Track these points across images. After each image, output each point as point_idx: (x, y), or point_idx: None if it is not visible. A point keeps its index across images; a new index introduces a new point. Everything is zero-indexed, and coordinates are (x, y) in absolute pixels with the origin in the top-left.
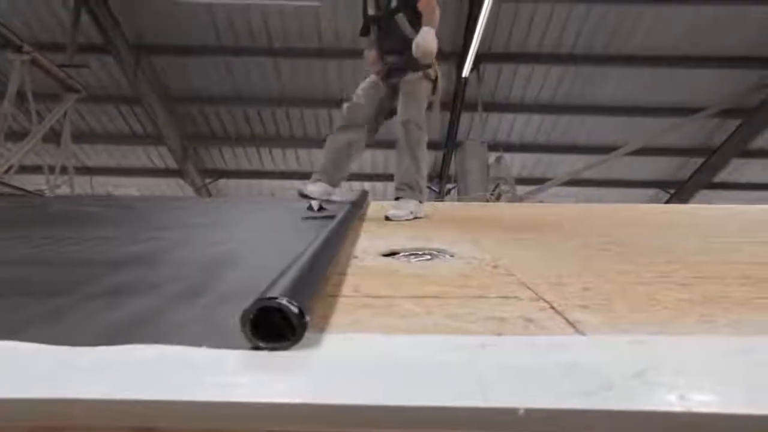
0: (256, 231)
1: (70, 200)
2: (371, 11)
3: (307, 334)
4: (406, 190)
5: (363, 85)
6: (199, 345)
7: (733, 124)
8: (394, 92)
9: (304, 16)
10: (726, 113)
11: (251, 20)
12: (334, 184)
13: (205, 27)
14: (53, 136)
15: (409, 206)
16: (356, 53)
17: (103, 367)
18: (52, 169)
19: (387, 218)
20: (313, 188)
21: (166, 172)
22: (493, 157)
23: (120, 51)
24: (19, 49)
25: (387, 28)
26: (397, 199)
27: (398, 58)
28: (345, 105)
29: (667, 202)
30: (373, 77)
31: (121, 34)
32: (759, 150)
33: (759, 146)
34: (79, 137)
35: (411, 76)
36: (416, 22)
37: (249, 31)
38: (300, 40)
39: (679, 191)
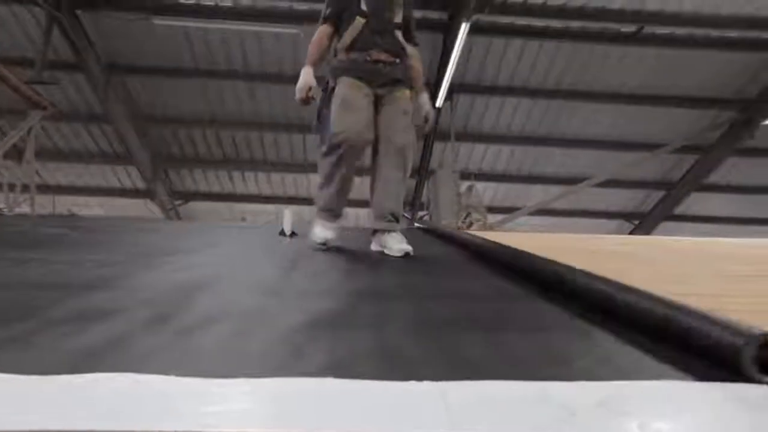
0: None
1: (33, 221)
2: (364, 7)
3: None
4: (397, 221)
5: (348, 91)
6: (168, 373)
7: (691, 159)
8: (377, 100)
9: (282, 43)
10: (685, 149)
11: (228, 44)
12: (340, 215)
13: (181, 49)
14: (15, 153)
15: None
16: None
17: (69, 397)
18: (12, 187)
19: (406, 255)
20: (331, 236)
21: (134, 193)
22: (464, 185)
23: (92, 69)
24: None
25: (380, 29)
26: (380, 231)
27: (394, 59)
28: (339, 121)
29: (632, 232)
30: (349, 80)
31: (94, 53)
32: (714, 185)
33: (714, 181)
34: (44, 155)
35: (405, 92)
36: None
37: (225, 55)
38: (276, 66)
39: (642, 222)
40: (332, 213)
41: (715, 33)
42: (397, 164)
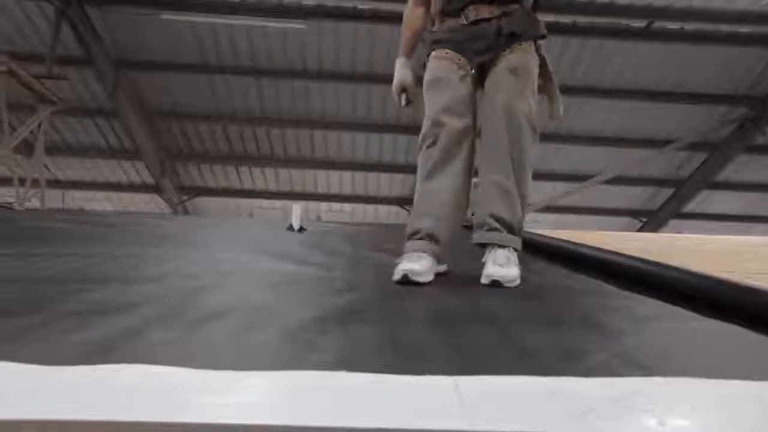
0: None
1: (43, 215)
2: None
3: None
4: (503, 231)
5: (436, 68)
6: (183, 365)
7: (700, 157)
8: (480, 75)
9: (289, 37)
10: (694, 146)
11: (236, 39)
12: (433, 241)
13: (189, 44)
14: (25, 148)
15: (514, 259)
16: (339, 76)
17: (83, 387)
18: (22, 182)
19: (494, 283)
20: (416, 267)
21: (143, 188)
22: (473, 181)
23: (100, 65)
24: None
25: None
26: (483, 245)
27: (503, 10)
28: (428, 105)
29: (640, 230)
30: (440, 53)
31: (103, 48)
32: (724, 182)
33: (724, 179)
34: (53, 150)
35: (522, 49)
36: None
37: (233, 50)
38: (284, 61)
39: (650, 220)
40: (418, 237)
41: (725, 28)
42: (501, 143)
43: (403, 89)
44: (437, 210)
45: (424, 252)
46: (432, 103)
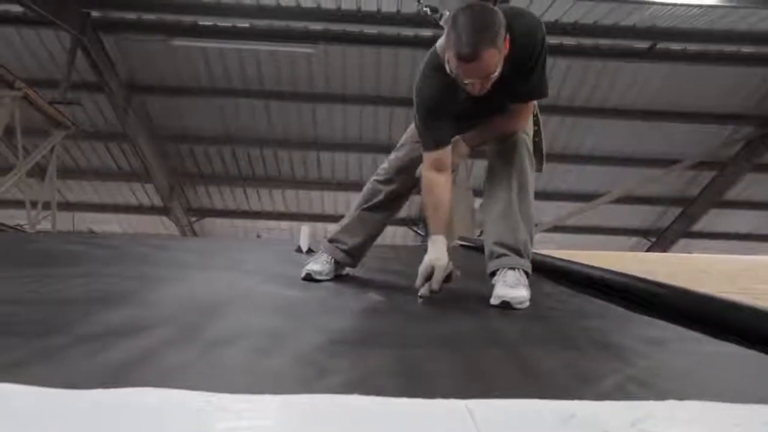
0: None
1: (55, 237)
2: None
3: None
4: (512, 256)
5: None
6: (199, 389)
7: (708, 176)
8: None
9: (297, 61)
10: (702, 165)
11: (245, 63)
12: (348, 258)
13: (199, 69)
14: (38, 171)
15: (524, 281)
16: (346, 99)
17: (99, 411)
18: (34, 205)
19: (503, 304)
20: (318, 268)
21: (151, 210)
22: (478, 202)
23: (112, 89)
24: (11, 85)
25: None
26: (492, 274)
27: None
28: None
29: (648, 249)
30: None
31: (115, 74)
32: (733, 201)
33: (732, 198)
34: (64, 172)
35: None
36: None
37: (242, 74)
38: (291, 84)
39: (659, 240)
40: (340, 248)
41: (729, 48)
42: (504, 170)
43: (432, 272)
44: (364, 234)
45: (335, 258)
46: (411, 149)
